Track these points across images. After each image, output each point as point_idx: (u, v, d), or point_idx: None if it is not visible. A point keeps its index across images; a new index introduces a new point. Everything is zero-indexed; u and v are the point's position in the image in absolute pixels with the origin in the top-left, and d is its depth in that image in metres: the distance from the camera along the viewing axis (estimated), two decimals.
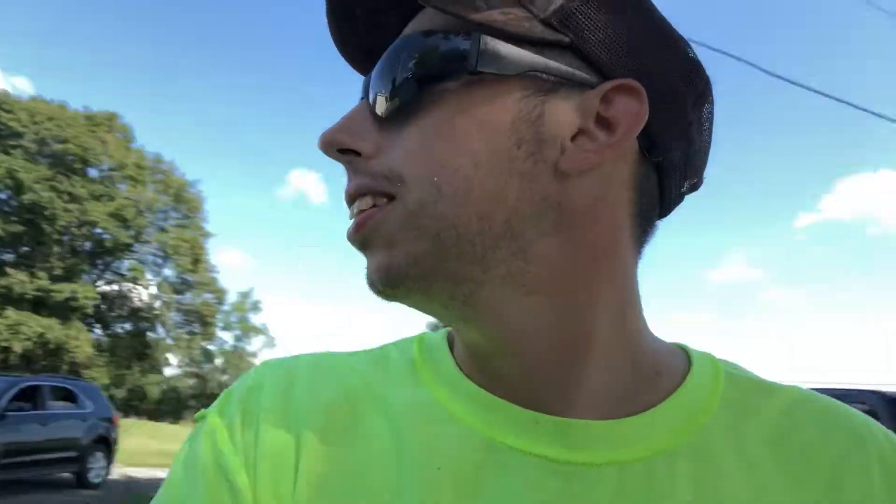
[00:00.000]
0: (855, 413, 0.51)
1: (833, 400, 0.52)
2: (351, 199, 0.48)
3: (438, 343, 0.56)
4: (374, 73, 0.49)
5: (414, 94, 0.46)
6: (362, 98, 0.50)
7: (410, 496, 0.46)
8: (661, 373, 0.51)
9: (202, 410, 0.54)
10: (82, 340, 25.82)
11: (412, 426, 0.49)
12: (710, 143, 0.53)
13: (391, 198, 0.46)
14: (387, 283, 0.47)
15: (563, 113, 0.46)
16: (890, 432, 0.50)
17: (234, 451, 0.49)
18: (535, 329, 0.47)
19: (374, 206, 0.47)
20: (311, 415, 0.50)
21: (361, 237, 0.48)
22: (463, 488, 0.46)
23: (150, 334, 30.69)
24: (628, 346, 0.50)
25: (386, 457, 0.48)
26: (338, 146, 0.48)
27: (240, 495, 0.47)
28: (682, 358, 0.54)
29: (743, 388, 0.52)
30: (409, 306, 0.49)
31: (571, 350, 0.47)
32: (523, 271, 0.46)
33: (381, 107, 0.47)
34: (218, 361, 37.32)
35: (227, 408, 0.52)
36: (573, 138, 0.46)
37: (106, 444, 10.20)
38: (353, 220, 0.48)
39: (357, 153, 0.48)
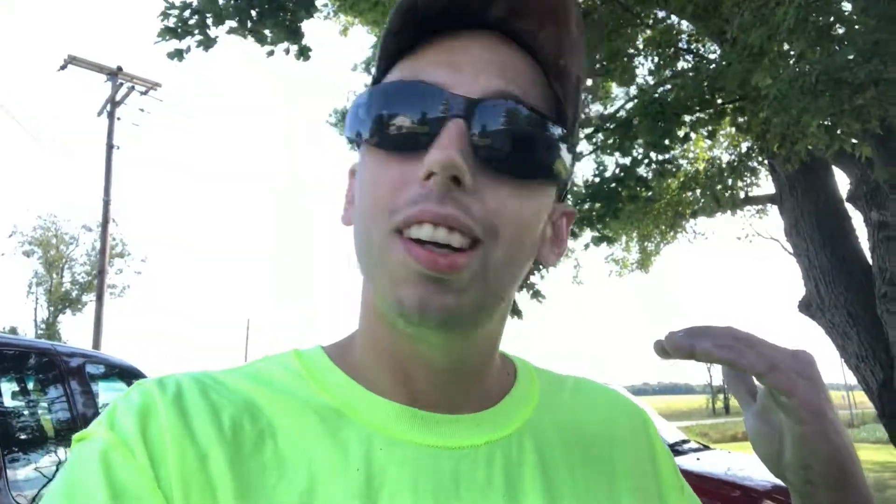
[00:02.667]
0: (611, 389, 0.73)
1: (592, 380, 0.73)
2: (435, 220, 0.48)
3: (319, 357, 0.60)
4: (484, 109, 0.50)
5: (526, 166, 0.52)
6: (455, 116, 0.50)
7: (334, 497, 0.49)
8: (508, 373, 0.66)
9: (81, 432, 0.51)
10: None
11: (321, 434, 0.53)
12: None
13: (474, 243, 0.50)
14: (441, 324, 0.50)
15: (551, 213, 0.59)
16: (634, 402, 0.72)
17: (139, 472, 0.47)
18: (479, 351, 0.58)
19: (458, 248, 0.49)
20: (217, 434, 0.50)
21: (445, 277, 0.49)
22: (376, 481, 0.51)
23: None
24: (497, 355, 0.63)
25: (300, 466, 0.51)
26: (454, 173, 0.48)
27: None
28: (507, 358, 0.69)
29: (545, 378, 0.69)
30: (420, 333, 0.53)
31: (483, 367, 0.60)
32: (502, 317, 0.60)
33: (487, 152, 0.50)
34: None
35: (119, 428, 0.49)
36: (547, 239, 0.61)
37: None
38: (427, 246, 0.49)
39: (458, 182, 0.49)
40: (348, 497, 0.50)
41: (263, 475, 0.50)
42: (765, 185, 7.91)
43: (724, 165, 7.15)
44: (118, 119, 18.29)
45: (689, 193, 7.21)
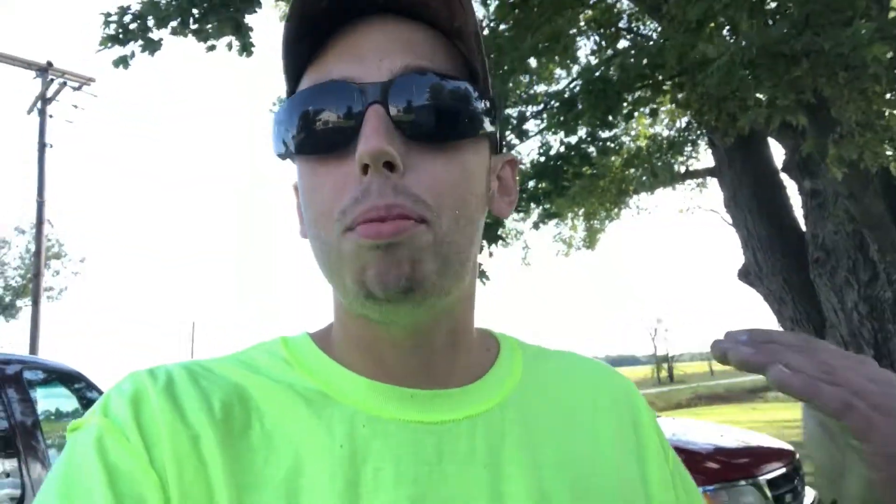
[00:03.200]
0: (597, 361, 0.74)
1: (578, 353, 0.75)
2: (380, 213, 0.50)
3: (304, 343, 0.62)
4: (397, 88, 0.52)
5: (448, 130, 0.54)
6: (372, 103, 0.51)
7: (319, 474, 0.52)
8: (489, 349, 0.67)
9: (75, 421, 0.53)
10: None
11: (306, 415, 0.54)
12: None
13: (422, 221, 0.51)
14: (405, 291, 0.51)
15: (490, 165, 0.62)
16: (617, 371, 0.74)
17: (133, 455, 0.49)
18: (445, 328, 0.59)
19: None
20: (208, 417, 0.52)
21: (396, 242, 0.50)
22: (359, 457, 0.53)
23: None
24: (473, 331, 0.65)
25: (286, 446, 0.53)
26: (386, 159, 0.50)
27: (147, 499, 0.47)
28: (490, 335, 0.70)
29: (530, 352, 0.70)
30: (389, 314, 0.54)
31: (455, 341, 0.61)
32: (469, 284, 0.60)
33: (411, 129, 0.52)
34: None
35: (112, 415, 0.51)
36: (495, 192, 0.63)
37: None
38: (374, 220, 0.50)
39: (392, 167, 0.50)
40: (332, 473, 0.52)
41: (252, 455, 0.52)
42: (705, 159, 8.17)
43: (664, 142, 7.41)
44: (50, 117, 17.63)
45: (632, 170, 7.41)
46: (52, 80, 17.66)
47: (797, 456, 4.76)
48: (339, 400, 0.56)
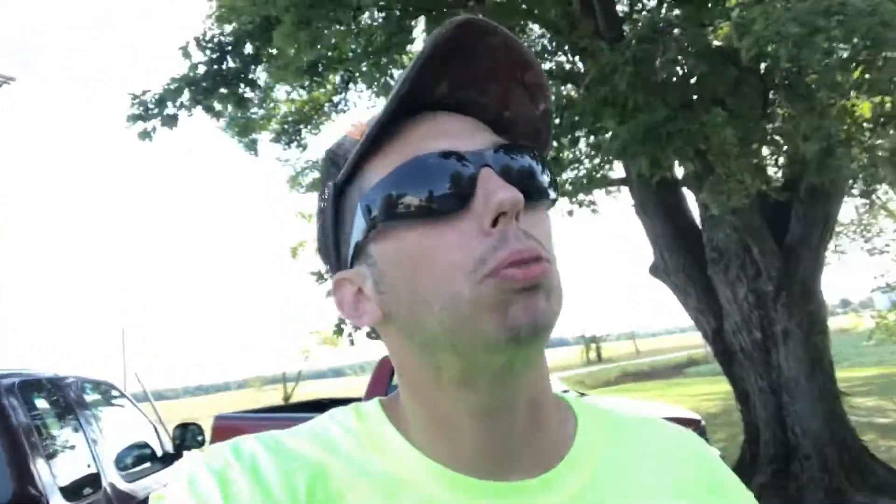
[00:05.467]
0: (683, 431, 0.70)
1: (660, 421, 0.70)
2: (522, 256, 0.51)
3: (377, 418, 0.60)
4: (498, 156, 0.55)
5: (539, 193, 0.56)
6: (483, 166, 0.53)
7: None
8: (563, 421, 0.63)
9: (160, 492, 0.54)
10: None
11: (379, 501, 0.54)
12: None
13: (548, 262, 0.53)
14: (543, 329, 0.52)
15: None
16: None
17: None
18: (528, 394, 0.58)
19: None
20: (292, 499, 0.52)
21: (545, 280, 0.52)
22: None
23: None
24: (550, 404, 0.61)
25: None
26: (521, 207, 0.52)
27: None
28: (563, 402, 0.66)
29: (609, 424, 0.65)
30: (523, 361, 0.55)
31: (536, 415, 0.58)
32: (544, 355, 0.61)
33: (523, 192, 0.52)
34: None
35: (199, 494, 0.51)
36: None
37: None
38: (523, 259, 0.51)
39: (517, 218, 0.52)
40: None
41: None
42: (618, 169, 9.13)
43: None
44: None
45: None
46: None
47: (702, 423, 5.82)
48: (413, 488, 0.55)
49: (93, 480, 2.96)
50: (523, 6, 6.42)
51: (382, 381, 6.51)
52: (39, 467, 2.56)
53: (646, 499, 0.60)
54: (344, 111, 8.41)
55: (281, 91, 7.46)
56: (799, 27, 2.80)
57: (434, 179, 0.53)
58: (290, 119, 7.90)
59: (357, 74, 7.23)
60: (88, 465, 3.00)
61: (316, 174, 9.51)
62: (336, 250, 0.62)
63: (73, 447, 2.97)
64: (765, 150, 4.83)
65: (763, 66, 3.88)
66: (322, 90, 7.98)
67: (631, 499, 0.59)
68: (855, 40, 3.00)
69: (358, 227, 0.57)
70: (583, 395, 7.33)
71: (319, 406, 8.45)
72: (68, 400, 3.19)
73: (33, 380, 2.96)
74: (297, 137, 8.13)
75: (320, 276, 7.70)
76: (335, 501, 0.54)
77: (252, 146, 7.38)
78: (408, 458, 0.57)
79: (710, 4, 4.46)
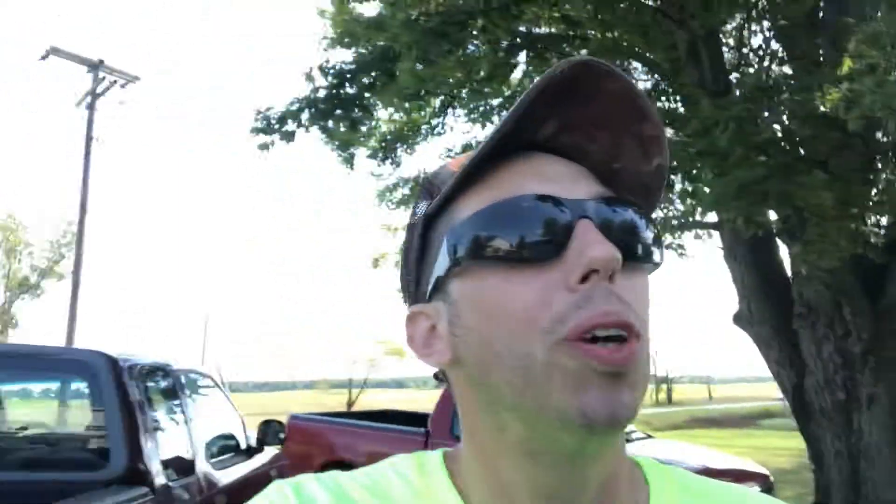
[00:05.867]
0: (764, 497, 0.63)
1: (746, 490, 0.63)
2: (609, 318, 0.46)
3: (439, 475, 0.57)
4: (599, 208, 0.50)
5: (640, 255, 0.51)
6: (582, 217, 0.49)
7: None
8: (633, 492, 0.57)
9: None
10: None
11: None
12: None
13: (638, 336, 0.47)
14: (624, 423, 0.47)
15: None
16: None
17: None
18: (600, 476, 0.52)
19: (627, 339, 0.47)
20: None
21: (622, 370, 0.46)
22: None
23: None
24: (621, 480, 0.55)
25: None
26: (616, 266, 0.47)
27: None
28: (636, 467, 0.60)
29: (686, 491, 0.59)
30: (597, 446, 0.50)
31: (605, 495, 0.53)
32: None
33: (623, 251, 0.48)
34: None
35: None
36: None
37: None
38: (602, 343, 0.46)
39: (611, 278, 0.47)
40: None
41: None
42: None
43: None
44: (97, 111, 18.67)
45: None
46: (103, 77, 18.75)
47: (771, 479, 5.70)
48: None
49: (189, 464, 3.23)
50: (626, 44, 6.49)
51: (450, 401, 6.66)
52: (148, 446, 2.83)
53: None
54: (440, 134, 8.65)
55: (383, 111, 7.80)
56: None
57: (527, 224, 0.50)
58: (388, 138, 8.20)
59: (456, 101, 7.48)
60: (186, 450, 3.27)
61: (406, 191, 9.83)
62: (416, 282, 0.59)
63: (175, 431, 3.25)
64: (867, 212, 4.74)
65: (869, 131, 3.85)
66: (422, 113, 8.27)
67: None
68: None
69: (441, 262, 0.54)
70: (649, 436, 7.28)
71: (386, 416, 8.68)
72: (175, 386, 3.49)
73: (147, 365, 3.25)
74: (393, 155, 8.41)
75: None
76: None
77: (349, 160, 7.73)
78: None
79: (820, 65, 4.44)
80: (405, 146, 8.40)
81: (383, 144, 7.93)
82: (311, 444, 6.90)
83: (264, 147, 6.46)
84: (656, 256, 0.54)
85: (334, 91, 6.39)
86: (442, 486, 0.56)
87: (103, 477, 2.69)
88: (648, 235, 0.53)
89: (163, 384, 3.37)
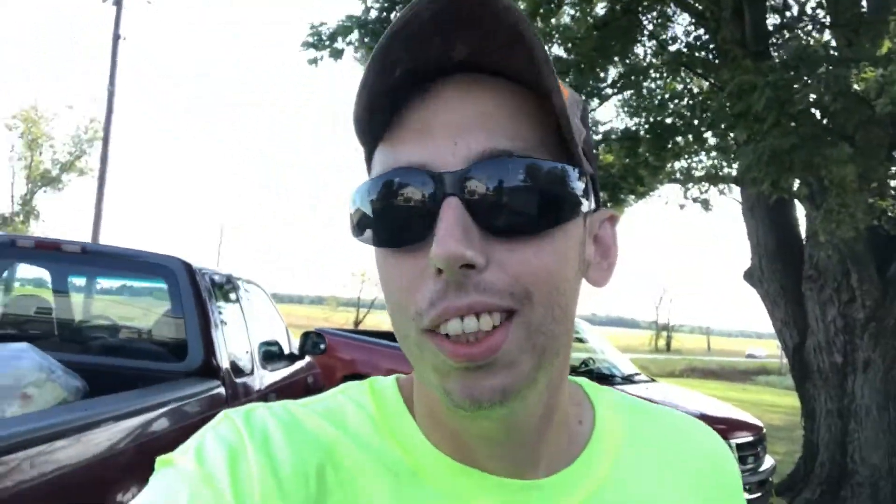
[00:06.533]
0: (705, 430, 0.67)
1: (684, 414, 0.68)
2: (460, 313, 0.45)
3: (394, 401, 0.58)
4: (475, 176, 0.46)
5: (538, 220, 0.47)
6: (448, 195, 0.45)
7: None
8: (582, 422, 0.60)
9: (166, 456, 0.51)
10: None
11: (394, 493, 0.52)
12: None
13: (510, 314, 0.46)
14: (499, 402, 0.47)
15: (586, 234, 0.54)
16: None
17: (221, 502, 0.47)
18: (537, 414, 0.53)
19: (494, 326, 0.46)
20: (302, 479, 0.50)
21: (491, 361, 0.46)
22: None
23: None
24: (565, 406, 0.58)
25: None
26: (462, 263, 0.44)
27: None
28: (583, 394, 0.64)
29: (627, 414, 0.63)
30: (478, 418, 0.50)
31: (546, 425, 0.55)
32: (560, 370, 0.54)
33: (495, 220, 0.46)
34: None
35: (207, 463, 0.49)
36: (591, 258, 0.56)
37: None
38: (464, 338, 0.45)
39: (471, 266, 0.45)
40: None
41: None
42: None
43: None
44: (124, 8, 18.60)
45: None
46: None
47: (763, 431, 6.09)
48: (427, 482, 0.53)
49: (249, 363, 3.61)
50: None
51: None
52: (219, 345, 3.20)
53: (663, 498, 0.58)
54: None
55: None
56: None
57: (396, 207, 0.48)
58: None
59: None
60: (246, 351, 3.64)
61: None
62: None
63: (238, 334, 3.61)
64: (886, 188, 4.97)
65: None
66: None
67: (647, 498, 0.58)
68: None
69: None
70: (653, 380, 7.63)
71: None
72: (237, 295, 3.85)
73: (216, 274, 3.61)
74: None
75: None
76: (346, 484, 0.52)
77: None
78: (421, 448, 0.55)
79: (860, 38, 4.56)
80: None
81: None
82: (333, 358, 7.33)
83: (314, 62, 6.66)
84: (569, 212, 0.49)
85: (384, 13, 6.52)
86: (397, 412, 0.57)
87: (182, 368, 3.06)
88: (557, 192, 0.48)
89: (228, 292, 3.72)
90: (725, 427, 5.62)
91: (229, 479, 0.48)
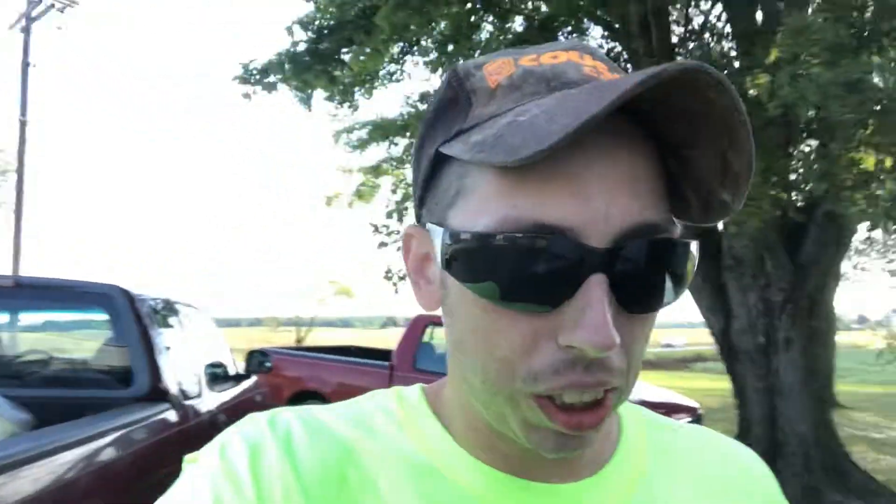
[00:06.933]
0: (729, 441, 0.66)
1: (709, 430, 0.67)
2: (585, 388, 0.45)
3: (419, 405, 0.58)
4: (625, 256, 0.44)
5: (662, 301, 0.47)
6: (596, 272, 0.43)
7: None
8: (609, 431, 0.59)
9: (192, 454, 0.52)
10: None
11: (417, 492, 0.52)
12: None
13: (614, 390, 0.46)
14: (578, 452, 0.49)
15: None
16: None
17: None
18: None
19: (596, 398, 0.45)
20: (323, 478, 0.51)
21: (592, 433, 0.47)
22: None
23: None
24: None
25: None
26: (611, 353, 0.43)
27: None
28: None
29: (656, 431, 0.62)
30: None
31: None
32: None
33: (633, 300, 0.45)
34: None
35: (229, 460, 0.50)
36: None
37: None
38: (573, 409, 0.45)
39: None
40: None
41: None
42: None
43: None
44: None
45: None
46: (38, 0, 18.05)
47: (700, 411, 6.43)
48: (454, 483, 0.53)
49: (196, 386, 3.63)
50: (581, 3, 6.86)
51: (413, 339, 7.17)
52: (165, 369, 3.23)
53: None
54: (398, 81, 8.87)
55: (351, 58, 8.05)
56: (820, 96, 3.27)
57: (534, 265, 0.43)
58: (346, 81, 8.40)
59: (416, 48, 7.78)
60: (193, 374, 3.67)
61: (362, 135, 10.05)
62: (420, 200, 0.54)
63: (182, 357, 3.63)
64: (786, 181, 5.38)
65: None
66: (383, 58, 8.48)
67: None
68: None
69: (437, 240, 0.49)
70: None
71: (347, 352, 9.14)
72: (178, 318, 3.87)
73: (154, 299, 3.63)
74: (351, 99, 8.61)
75: (376, 229, 8.30)
76: (367, 484, 0.52)
77: (307, 101, 7.95)
78: (446, 449, 0.55)
79: (755, 47, 4.94)
80: (362, 90, 8.60)
81: (341, 87, 8.17)
82: (280, 377, 7.33)
83: (247, 96, 7.02)
84: (680, 290, 0.48)
85: (314, 46, 6.81)
86: (422, 414, 0.57)
87: (130, 395, 3.09)
88: (686, 270, 0.47)
89: (168, 316, 3.75)
90: (664, 411, 5.88)
91: (251, 476, 0.49)
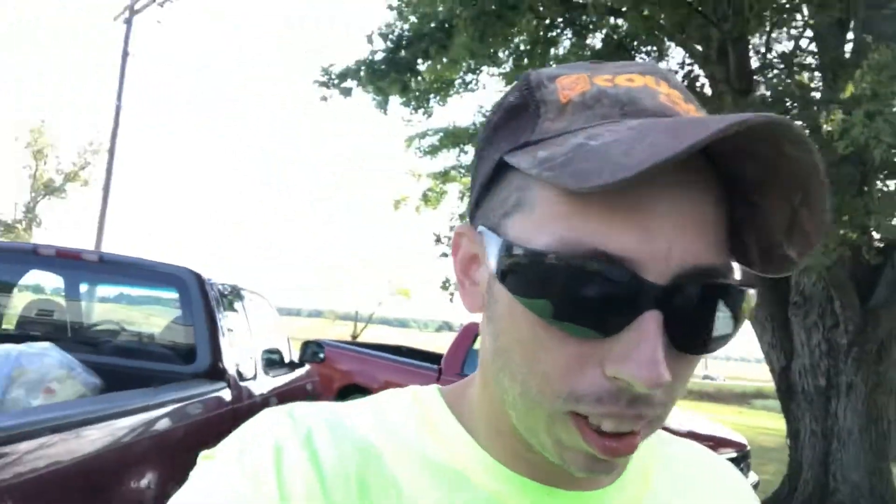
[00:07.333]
0: (710, 452, 0.69)
1: (700, 447, 0.69)
2: (624, 418, 0.44)
3: (437, 406, 0.57)
4: (681, 296, 0.43)
5: (714, 344, 0.47)
6: (653, 308, 0.42)
7: None
8: None
9: (209, 450, 0.51)
10: None
11: (440, 494, 0.51)
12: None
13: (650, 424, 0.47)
14: (596, 475, 0.49)
15: None
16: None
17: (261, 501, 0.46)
18: None
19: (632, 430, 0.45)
20: (344, 478, 0.50)
21: (622, 458, 0.47)
22: None
23: None
24: None
25: None
26: (660, 388, 0.42)
27: None
28: None
29: (658, 439, 0.63)
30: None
31: None
32: None
33: (685, 340, 0.44)
34: None
35: (250, 459, 0.49)
36: None
37: None
38: (608, 435, 0.45)
39: None
40: None
41: None
42: None
43: None
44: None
45: None
46: None
47: (747, 447, 6.28)
48: (473, 484, 0.52)
49: (252, 369, 3.82)
50: (661, 22, 6.83)
51: (464, 345, 7.24)
52: (226, 350, 3.42)
53: None
54: (473, 90, 8.97)
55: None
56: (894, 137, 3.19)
57: (590, 290, 0.42)
58: (422, 87, 8.54)
59: (493, 60, 7.90)
60: (250, 357, 3.86)
61: (435, 140, 10.22)
62: (476, 202, 0.54)
63: (242, 340, 3.82)
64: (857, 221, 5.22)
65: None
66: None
67: None
68: None
69: (490, 249, 0.48)
70: None
71: (399, 351, 9.29)
72: (242, 304, 4.08)
73: (223, 284, 3.84)
74: (425, 105, 8.76)
75: (438, 240, 8.47)
76: (388, 487, 0.51)
77: (383, 105, 8.16)
78: (467, 450, 0.54)
79: (837, 80, 4.82)
80: (437, 97, 8.73)
81: (417, 94, 8.34)
82: (331, 368, 7.52)
83: (324, 99, 7.46)
84: (728, 341, 0.47)
85: (391, 55, 7.11)
86: (441, 415, 0.57)
87: (191, 371, 3.28)
88: (727, 323, 0.46)
89: (234, 302, 3.95)
90: (712, 444, 5.82)
91: (274, 474, 0.48)
